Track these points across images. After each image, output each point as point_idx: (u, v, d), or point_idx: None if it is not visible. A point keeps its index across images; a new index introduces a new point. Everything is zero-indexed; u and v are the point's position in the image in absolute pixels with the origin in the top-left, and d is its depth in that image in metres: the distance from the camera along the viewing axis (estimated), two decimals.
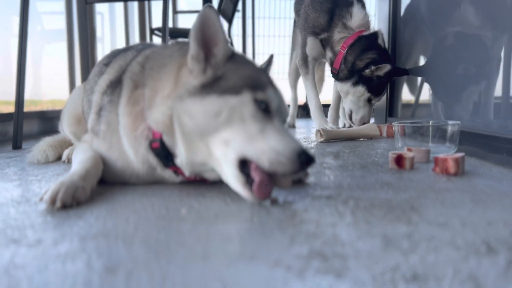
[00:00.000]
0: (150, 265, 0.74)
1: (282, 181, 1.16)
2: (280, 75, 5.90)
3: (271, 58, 1.52)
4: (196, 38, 1.21)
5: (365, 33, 2.77)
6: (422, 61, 2.95)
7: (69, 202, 1.15)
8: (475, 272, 0.69)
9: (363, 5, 2.91)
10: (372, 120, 3.48)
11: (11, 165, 1.97)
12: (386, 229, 0.91)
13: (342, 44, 2.81)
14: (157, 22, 5.78)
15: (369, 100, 2.84)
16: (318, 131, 2.54)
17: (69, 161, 1.99)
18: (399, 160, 1.61)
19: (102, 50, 5.13)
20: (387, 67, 2.69)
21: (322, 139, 2.51)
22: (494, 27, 2.10)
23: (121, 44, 5.54)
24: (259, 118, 1.15)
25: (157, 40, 5.41)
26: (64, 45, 4.16)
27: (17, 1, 3.82)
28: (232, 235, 0.90)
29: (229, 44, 1.27)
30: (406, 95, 3.14)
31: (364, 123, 2.81)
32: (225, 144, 1.16)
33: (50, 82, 4.27)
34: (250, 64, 1.30)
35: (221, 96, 1.17)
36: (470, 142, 1.98)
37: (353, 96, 2.82)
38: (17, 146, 2.60)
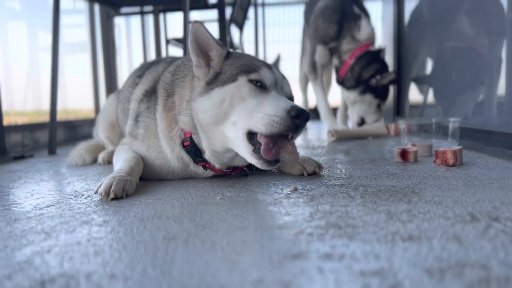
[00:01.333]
0: (201, 235, 0.94)
1: (287, 147, 1.36)
2: (290, 79, 6.08)
3: (278, 57, 1.73)
4: (193, 49, 1.46)
5: (372, 48, 2.97)
6: (426, 65, 3.12)
7: (120, 194, 1.36)
8: (459, 233, 0.88)
9: (369, 19, 3.10)
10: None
11: (53, 168, 2.19)
12: (390, 207, 1.10)
13: (350, 54, 3.01)
14: (172, 33, 6.03)
15: (378, 105, 3.02)
16: (329, 131, 2.73)
17: (104, 163, 2.21)
18: (403, 154, 1.80)
19: (120, 61, 5.39)
20: (391, 75, 2.90)
21: (333, 139, 2.69)
22: (492, 31, 2.27)
23: (138, 54, 5.78)
24: (256, 93, 1.38)
25: (172, 50, 5.65)
26: (86, 56, 4.42)
27: (43, 16, 4.10)
28: (261, 214, 1.10)
29: (222, 47, 1.48)
30: (412, 95, 3.31)
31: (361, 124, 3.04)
32: (233, 125, 1.39)
33: (74, 92, 4.51)
34: (245, 56, 1.50)
35: (223, 86, 1.41)
36: (470, 137, 2.15)
37: (362, 104, 3.01)
38: (52, 152, 2.83)
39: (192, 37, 1.44)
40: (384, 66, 2.98)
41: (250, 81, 1.39)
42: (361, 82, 3.01)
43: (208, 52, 1.48)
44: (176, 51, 5.78)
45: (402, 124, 2.29)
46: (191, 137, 1.54)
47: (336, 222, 0.99)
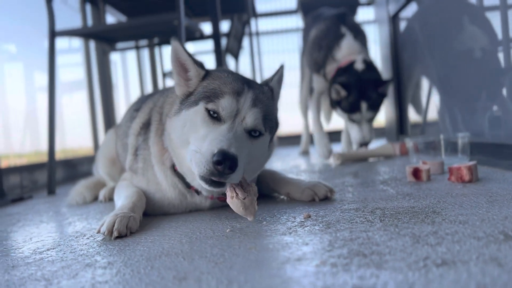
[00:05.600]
0: (214, 272, 0.87)
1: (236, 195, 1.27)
2: (288, 105, 6.02)
3: (280, 69, 1.58)
4: (174, 67, 1.43)
5: (343, 64, 2.91)
6: (421, 80, 3.09)
7: (124, 231, 1.28)
8: (496, 254, 0.80)
9: (356, 34, 3.06)
10: (382, 140, 3.60)
11: (53, 209, 2.11)
12: (413, 229, 1.03)
13: (330, 76, 2.98)
14: (168, 65, 6.05)
15: (354, 120, 2.90)
16: (333, 154, 2.67)
17: (106, 200, 2.13)
18: (416, 173, 1.73)
19: (117, 97, 5.38)
20: (340, 91, 2.82)
21: (338, 162, 2.63)
22: (488, 42, 2.25)
23: (135, 89, 5.78)
24: (208, 123, 1.31)
25: (170, 83, 5.65)
26: (83, 94, 4.39)
27: (39, 56, 4.09)
28: (277, 245, 1.02)
29: (199, 67, 1.43)
30: (416, 113, 3.27)
31: (365, 144, 2.86)
32: (190, 151, 1.32)
33: (73, 131, 4.47)
34: (222, 78, 1.41)
35: (188, 109, 1.37)
36: (480, 152, 2.09)
37: (348, 123, 2.93)
38: (51, 192, 2.76)
39: (172, 55, 1.42)
40: (351, 78, 2.87)
41: (207, 109, 1.33)
42: (331, 99, 2.99)
43: (187, 71, 1.45)
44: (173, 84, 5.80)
45: (409, 142, 2.23)
46: None
47: (360, 250, 0.91)
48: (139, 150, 1.67)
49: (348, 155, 2.67)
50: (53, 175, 2.80)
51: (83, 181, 2.35)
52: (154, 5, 3.52)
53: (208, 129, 1.30)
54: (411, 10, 3.03)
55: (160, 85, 5.81)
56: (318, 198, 1.52)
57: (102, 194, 2.17)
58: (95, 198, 2.25)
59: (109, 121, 4.34)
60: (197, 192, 1.52)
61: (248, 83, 1.41)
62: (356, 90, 2.81)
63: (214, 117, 1.32)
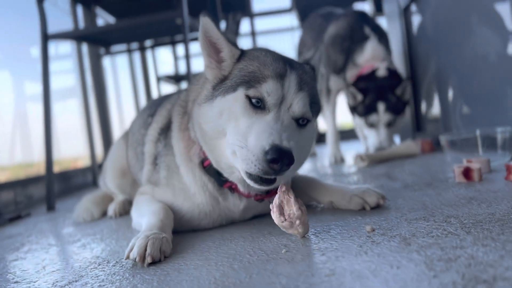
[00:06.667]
0: None
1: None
2: None
3: (320, 47, 1.40)
4: (203, 48, 1.22)
5: (365, 72, 2.76)
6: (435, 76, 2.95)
7: (158, 256, 1.09)
8: None
9: (380, 38, 2.88)
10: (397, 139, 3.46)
11: (58, 228, 1.90)
12: None
13: (351, 81, 2.82)
14: (161, 70, 5.85)
15: (371, 125, 2.76)
16: (358, 156, 2.50)
17: (116, 216, 1.93)
18: (467, 173, 1.57)
19: (110, 103, 5.15)
20: (357, 94, 2.73)
21: (364, 164, 2.46)
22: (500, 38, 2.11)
23: (126, 95, 5.56)
24: (249, 113, 1.14)
25: (165, 88, 5.44)
26: (75, 102, 4.16)
27: (27, 65, 3.87)
28: (360, 271, 0.84)
29: (233, 46, 1.24)
30: (432, 109, 3.12)
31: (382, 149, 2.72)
32: (227, 143, 1.17)
33: (66, 141, 4.24)
34: (261, 58, 1.22)
35: (224, 96, 1.18)
36: None
37: (365, 129, 2.80)
38: (51, 208, 2.54)
39: (202, 34, 1.22)
40: (370, 83, 2.74)
41: (248, 97, 1.15)
42: (350, 108, 2.88)
43: (219, 51, 1.25)
44: (168, 89, 5.58)
45: (443, 139, 2.08)
46: None
47: (475, 274, 0.74)
48: (160, 157, 1.48)
49: (373, 156, 2.50)
50: (52, 189, 2.58)
51: (89, 196, 2.14)
52: (146, 8, 3.32)
53: (250, 120, 1.13)
54: (425, 0, 2.89)
55: (154, 90, 5.61)
56: (369, 206, 1.35)
57: (112, 209, 1.97)
58: (103, 214, 2.04)
59: (106, 128, 4.12)
60: (231, 189, 1.33)
61: (290, 63, 1.23)
62: (373, 92, 2.67)
63: (257, 105, 1.14)
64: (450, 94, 2.84)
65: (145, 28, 2.95)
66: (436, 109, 3.04)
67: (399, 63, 3.32)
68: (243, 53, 1.26)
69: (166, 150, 1.46)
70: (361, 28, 2.86)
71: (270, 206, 1.12)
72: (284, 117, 1.14)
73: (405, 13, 3.13)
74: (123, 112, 5.62)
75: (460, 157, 2.01)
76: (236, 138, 1.13)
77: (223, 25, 4.20)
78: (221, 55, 1.25)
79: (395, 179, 1.87)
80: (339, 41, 2.90)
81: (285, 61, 1.22)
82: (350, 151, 3.42)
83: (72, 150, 4.33)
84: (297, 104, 1.16)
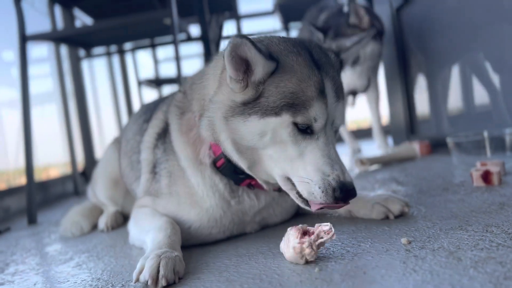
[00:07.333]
0: None
1: None
2: None
3: (366, 35, 1.28)
4: (231, 62, 1.07)
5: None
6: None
7: (173, 279, 0.97)
8: None
9: None
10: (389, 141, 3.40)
11: (44, 244, 1.74)
12: None
13: None
14: (144, 73, 5.67)
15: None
16: (358, 160, 2.42)
17: (108, 229, 1.79)
18: (486, 176, 1.50)
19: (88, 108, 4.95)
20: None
21: (364, 168, 2.37)
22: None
23: (105, 100, 5.35)
24: (298, 140, 1.07)
25: (147, 92, 5.27)
26: (53, 107, 3.96)
27: (3, 71, 3.66)
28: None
29: (269, 60, 1.07)
30: (427, 111, 3.07)
31: None
32: (270, 158, 1.11)
33: (43, 147, 4.03)
34: (296, 69, 1.09)
35: (263, 117, 1.07)
36: None
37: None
38: (32, 221, 2.35)
39: (232, 51, 1.06)
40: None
41: (295, 123, 1.06)
42: None
43: (250, 65, 1.09)
44: (149, 94, 5.42)
45: (450, 141, 2.01)
46: (224, 153, 1.20)
47: None
48: (159, 165, 1.36)
49: (373, 159, 2.42)
50: (34, 201, 2.40)
51: (77, 207, 1.99)
52: (126, 9, 3.16)
53: (299, 148, 1.07)
54: (419, 1, 2.84)
55: (135, 95, 5.42)
56: (393, 215, 1.25)
57: (103, 222, 1.82)
58: (94, 227, 1.89)
59: (87, 135, 3.93)
60: (251, 186, 1.25)
61: (318, 63, 1.11)
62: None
63: (304, 130, 1.07)
64: (445, 95, 2.80)
65: (129, 29, 2.81)
66: (431, 111, 3.00)
67: (391, 68, 3.27)
68: (277, 64, 1.09)
69: (166, 155, 1.34)
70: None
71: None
72: (329, 135, 1.10)
73: (398, 14, 3.08)
74: (102, 117, 5.41)
75: (467, 160, 1.95)
76: (286, 164, 1.09)
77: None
78: (253, 67, 1.08)
79: (404, 183, 1.79)
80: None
81: (314, 62, 1.11)
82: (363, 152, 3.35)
83: (48, 158, 4.12)
84: (338, 118, 1.12)
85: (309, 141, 1.07)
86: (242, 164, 1.15)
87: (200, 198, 1.25)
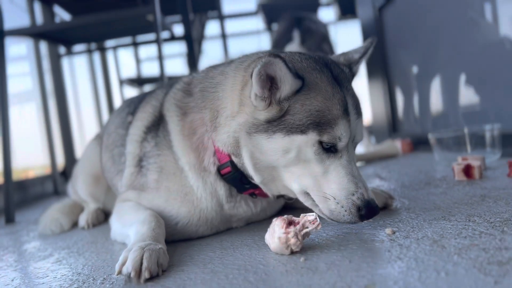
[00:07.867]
0: None
1: None
2: None
3: (369, 44, 1.28)
4: (259, 81, 1.06)
5: None
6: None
7: (156, 271, 0.96)
8: None
9: (307, 39, 3.15)
10: (372, 139, 3.43)
11: (23, 241, 1.70)
12: None
13: None
14: (126, 72, 5.62)
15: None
16: None
17: (89, 226, 1.75)
18: (468, 170, 1.52)
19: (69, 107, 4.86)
20: None
21: None
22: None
23: (86, 98, 5.27)
24: (322, 159, 1.07)
25: (129, 91, 5.22)
26: (33, 106, 3.87)
27: None
28: (399, 278, 0.74)
29: (296, 78, 1.06)
30: (409, 109, 3.11)
31: None
32: (292, 175, 1.11)
33: (21, 148, 3.94)
34: (321, 88, 1.09)
35: (288, 134, 1.07)
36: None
37: None
38: (10, 220, 2.30)
39: (262, 70, 1.05)
40: None
41: (320, 142, 1.06)
42: None
43: (277, 83, 1.08)
44: (132, 93, 5.35)
45: (431, 137, 2.04)
46: (231, 161, 1.19)
47: None
48: (148, 159, 1.33)
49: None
50: (12, 200, 2.34)
51: (57, 205, 1.94)
52: (105, 6, 3.11)
53: (324, 166, 1.08)
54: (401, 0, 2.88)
55: (116, 94, 5.35)
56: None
57: (83, 219, 1.78)
58: (74, 224, 1.86)
59: (67, 134, 3.86)
60: (253, 195, 1.26)
61: (337, 79, 1.12)
62: None
63: (329, 149, 1.07)
64: (427, 94, 2.84)
65: (110, 26, 2.77)
66: (412, 109, 3.04)
67: (374, 68, 3.31)
68: (303, 82, 1.09)
69: (157, 150, 1.31)
70: (290, 32, 3.16)
71: None
72: (351, 153, 1.11)
73: (380, 14, 3.12)
74: (82, 116, 5.33)
75: (448, 156, 1.98)
76: (308, 181, 1.09)
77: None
78: (280, 84, 1.07)
79: (387, 179, 1.81)
80: (276, 43, 3.26)
81: (337, 80, 1.12)
82: None
83: (27, 159, 4.03)
84: (359, 134, 1.13)
85: (333, 159, 1.07)
86: (256, 177, 1.15)
87: (196, 199, 1.24)
